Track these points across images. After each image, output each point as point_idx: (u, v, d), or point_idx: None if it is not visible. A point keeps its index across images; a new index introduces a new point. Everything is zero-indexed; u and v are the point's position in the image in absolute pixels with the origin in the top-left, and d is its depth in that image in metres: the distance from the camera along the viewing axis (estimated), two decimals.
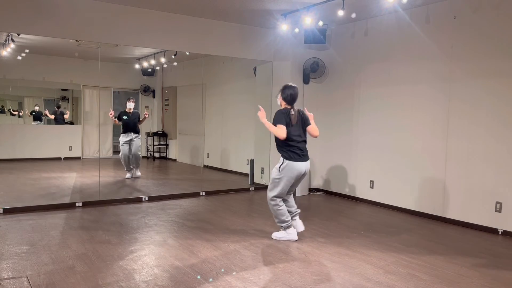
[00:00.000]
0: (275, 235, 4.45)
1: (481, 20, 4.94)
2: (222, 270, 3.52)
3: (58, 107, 9.46)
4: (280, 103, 4.35)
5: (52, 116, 9.32)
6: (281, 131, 4.11)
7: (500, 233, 4.79)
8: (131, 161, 8.03)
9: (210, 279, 3.31)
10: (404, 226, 5.14)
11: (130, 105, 7.87)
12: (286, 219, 4.34)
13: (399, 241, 4.47)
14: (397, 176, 5.91)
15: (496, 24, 4.80)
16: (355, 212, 5.83)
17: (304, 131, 4.32)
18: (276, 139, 4.26)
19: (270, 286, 3.22)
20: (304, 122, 4.31)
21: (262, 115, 4.35)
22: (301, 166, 4.21)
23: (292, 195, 4.52)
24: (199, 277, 3.35)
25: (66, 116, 9.53)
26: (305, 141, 4.30)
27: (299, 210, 4.52)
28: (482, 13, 4.92)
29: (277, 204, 4.29)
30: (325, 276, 3.46)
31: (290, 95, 4.25)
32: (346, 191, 6.74)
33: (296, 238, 4.37)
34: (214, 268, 3.55)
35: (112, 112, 7.84)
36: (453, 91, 5.23)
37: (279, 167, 4.24)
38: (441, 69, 5.35)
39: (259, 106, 4.47)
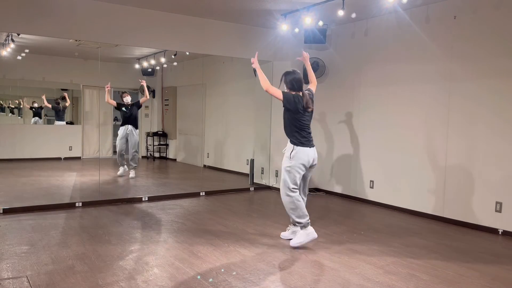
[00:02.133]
0: (295, 242, 4.13)
1: (481, 20, 4.94)
2: (222, 270, 3.52)
3: (58, 103, 9.45)
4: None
5: (49, 105, 9.25)
6: (275, 91, 3.95)
7: (500, 233, 4.79)
8: (128, 161, 8.11)
9: (210, 279, 3.31)
10: (404, 226, 5.14)
11: (128, 99, 8.00)
12: (305, 212, 4.11)
13: (399, 241, 4.47)
14: (397, 176, 5.91)
15: (496, 24, 4.80)
16: (355, 212, 5.83)
17: (311, 114, 4.18)
18: (286, 124, 4.12)
19: (270, 286, 3.22)
20: (312, 102, 4.15)
21: (255, 61, 4.11)
22: (310, 152, 4.11)
23: (305, 198, 4.35)
24: (199, 277, 3.35)
25: (67, 104, 9.42)
26: (309, 127, 4.20)
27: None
28: (482, 13, 4.93)
29: (295, 199, 4.08)
30: (325, 276, 3.46)
31: (295, 81, 4.06)
32: (346, 191, 6.74)
33: (316, 235, 4.15)
34: (214, 268, 3.55)
35: (109, 86, 7.79)
36: (453, 91, 5.23)
37: (290, 154, 4.10)
38: (441, 69, 5.35)
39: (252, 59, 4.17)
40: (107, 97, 7.81)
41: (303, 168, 4.12)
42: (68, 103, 9.44)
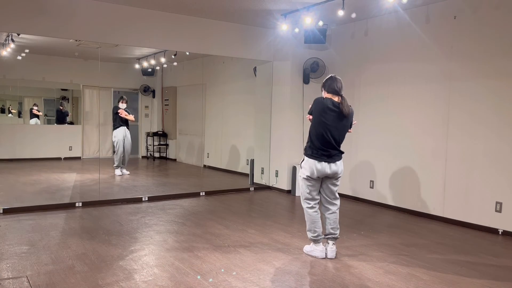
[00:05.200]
0: (304, 248, 4.05)
1: (481, 20, 4.94)
2: (222, 270, 3.52)
3: (62, 105, 9.48)
4: (325, 97, 3.93)
5: (40, 113, 9.33)
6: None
7: (500, 233, 4.79)
8: (124, 159, 8.30)
9: (210, 279, 3.31)
10: (404, 226, 5.14)
11: (123, 106, 8.21)
12: (315, 229, 3.87)
13: (399, 241, 4.47)
14: (397, 176, 5.91)
15: (496, 24, 4.80)
16: (355, 212, 5.82)
17: (342, 130, 3.87)
18: (308, 134, 3.94)
19: (270, 286, 3.22)
20: (347, 121, 3.88)
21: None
22: (321, 166, 3.77)
23: (335, 213, 3.94)
24: (199, 277, 3.35)
25: (67, 118, 9.55)
26: (337, 142, 3.85)
27: (336, 234, 3.92)
28: (482, 13, 4.92)
29: (307, 212, 3.91)
30: (325, 276, 3.46)
31: (336, 84, 3.86)
32: (346, 191, 6.74)
33: (320, 256, 3.86)
34: (214, 268, 3.55)
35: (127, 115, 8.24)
36: (453, 91, 5.23)
37: (300, 163, 3.94)
38: (441, 69, 5.35)
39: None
40: (130, 117, 8.21)
41: (312, 182, 3.86)
42: (68, 117, 9.52)
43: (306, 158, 3.88)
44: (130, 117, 8.27)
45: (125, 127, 8.21)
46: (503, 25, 4.74)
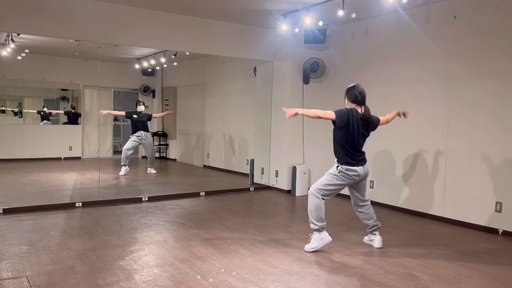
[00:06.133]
0: (309, 247, 4.06)
1: (481, 20, 4.94)
2: (222, 270, 3.52)
3: (73, 108, 9.48)
4: (349, 107, 4.09)
5: (62, 111, 9.38)
6: (327, 113, 3.91)
7: (500, 233, 4.79)
8: (149, 160, 8.47)
9: (210, 279, 3.31)
10: (404, 226, 5.14)
11: (141, 108, 8.30)
12: (323, 217, 4.04)
13: (399, 241, 4.47)
14: (397, 176, 5.91)
15: (496, 24, 4.80)
16: (355, 213, 5.81)
17: (366, 135, 4.14)
18: (336, 143, 4.07)
19: (270, 286, 3.22)
20: (372, 126, 4.16)
21: (289, 112, 3.93)
22: (358, 170, 4.04)
23: (370, 206, 4.29)
24: (199, 277, 3.35)
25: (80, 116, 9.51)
26: (362, 147, 4.14)
27: (379, 224, 4.29)
28: (482, 13, 4.92)
29: (319, 201, 4.03)
30: (325, 276, 3.46)
31: (359, 94, 4.02)
32: (346, 191, 6.71)
33: (329, 239, 4.05)
34: (214, 268, 3.55)
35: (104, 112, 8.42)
36: (453, 91, 5.23)
37: (337, 168, 4.07)
38: (441, 69, 5.35)
39: (283, 108, 4.13)
40: (115, 113, 8.35)
41: (344, 186, 4.13)
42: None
43: (347, 167, 4.03)
44: (160, 114, 8.77)
45: (141, 131, 8.26)
46: (503, 25, 4.74)
